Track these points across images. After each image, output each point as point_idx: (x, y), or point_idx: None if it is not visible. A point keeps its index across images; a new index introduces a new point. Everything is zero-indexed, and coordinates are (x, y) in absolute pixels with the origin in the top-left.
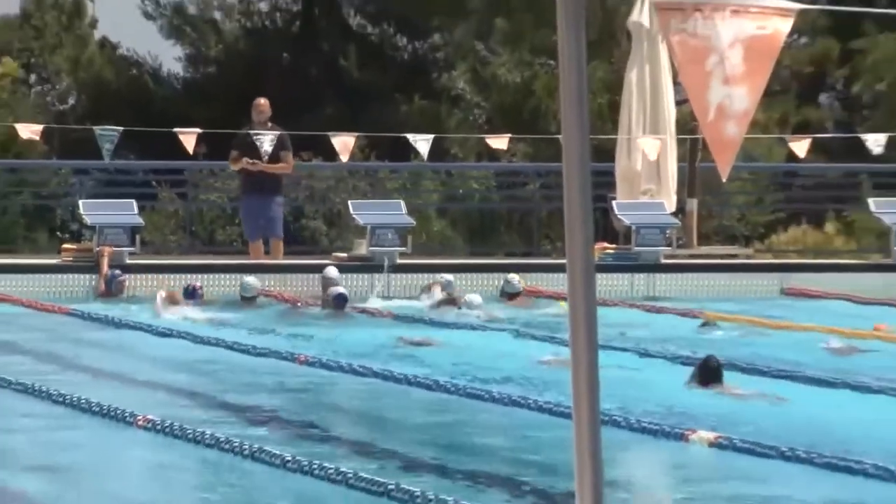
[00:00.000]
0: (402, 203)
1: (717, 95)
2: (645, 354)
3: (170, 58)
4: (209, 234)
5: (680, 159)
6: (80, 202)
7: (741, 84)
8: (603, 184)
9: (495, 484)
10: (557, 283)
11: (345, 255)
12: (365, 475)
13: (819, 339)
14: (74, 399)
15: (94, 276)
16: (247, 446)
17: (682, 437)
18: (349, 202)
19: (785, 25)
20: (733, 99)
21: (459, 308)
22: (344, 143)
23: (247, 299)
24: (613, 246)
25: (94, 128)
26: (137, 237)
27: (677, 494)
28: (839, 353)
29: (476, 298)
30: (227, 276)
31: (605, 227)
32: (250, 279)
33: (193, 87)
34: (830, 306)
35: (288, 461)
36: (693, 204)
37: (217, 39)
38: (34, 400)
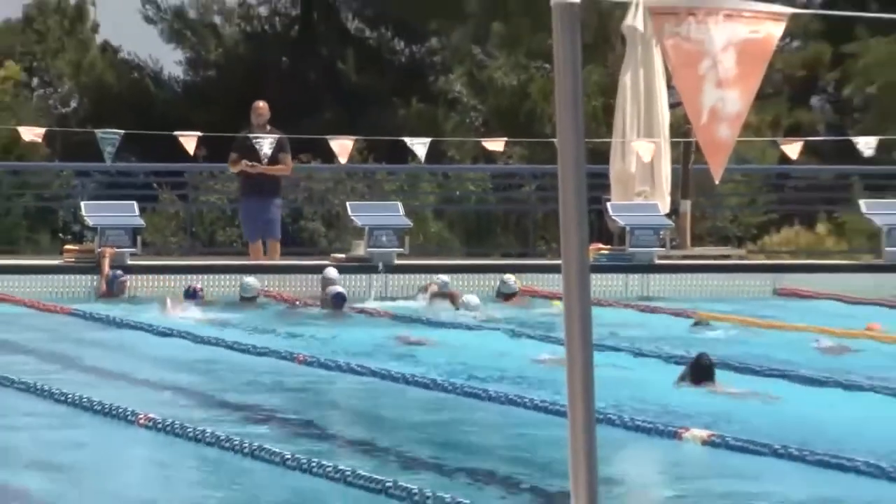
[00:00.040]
0: (400, 205)
1: (710, 98)
2: (639, 354)
3: (170, 61)
4: (209, 235)
5: (674, 161)
6: (82, 204)
7: (734, 87)
8: (598, 185)
9: (492, 481)
10: (553, 283)
11: (343, 255)
12: (363, 473)
13: (811, 339)
14: (76, 398)
15: (95, 277)
16: (247, 444)
17: (675, 436)
18: (347, 204)
19: (777, 29)
20: (726, 102)
21: (457, 308)
22: (342, 145)
23: (246, 299)
24: (608, 247)
25: (96, 131)
26: (138, 238)
27: (671, 492)
28: (830, 352)
29: (474, 299)
30: (227, 276)
31: (599, 228)
32: (250, 280)
33: (194, 90)
34: (822, 306)
35: (287, 459)
36: (686, 205)
37: (217, 43)
38: (36, 399)
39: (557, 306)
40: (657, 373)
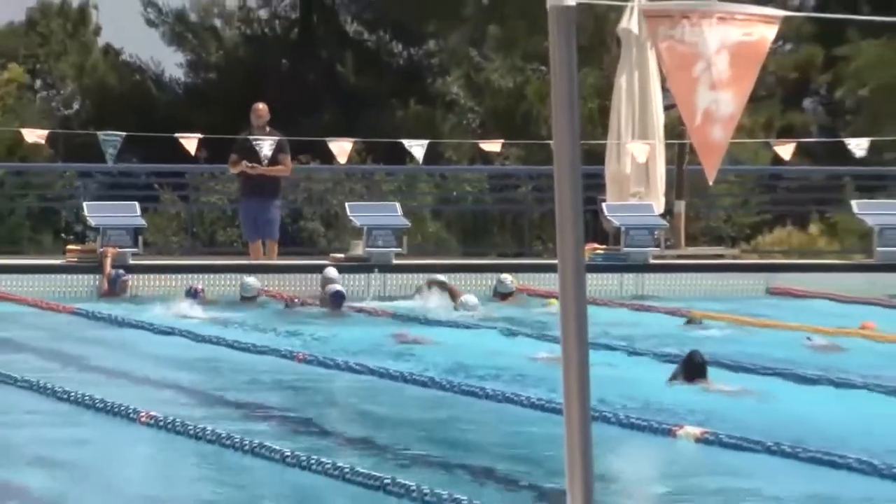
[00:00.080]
0: (398, 205)
1: (704, 100)
2: (633, 352)
3: (171, 64)
4: (210, 235)
5: (668, 162)
6: (85, 204)
7: (727, 89)
8: (593, 186)
9: (488, 478)
10: (549, 282)
11: (342, 255)
12: (362, 470)
13: (803, 337)
14: (78, 396)
15: (97, 277)
16: (247, 442)
17: (669, 433)
18: (346, 204)
19: (770, 32)
20: (720, 104)
21: (456, 308)
22: (341, 147)
23: (247, 299)
24: (603, 247)
25: (98, 133)
26: (140, 238)
27: (665, 488)
28: (822, 349)
29: (472, 299)
30: (228, 276)
31: (595, 228)
32: (250, 279)
33: (195, 92)
34: (814, 305)
35: (287, 456)
36: (681, 206)
37: (217, 46)
38: (39, 397)
39: (554, 305)
40: (651, 371)
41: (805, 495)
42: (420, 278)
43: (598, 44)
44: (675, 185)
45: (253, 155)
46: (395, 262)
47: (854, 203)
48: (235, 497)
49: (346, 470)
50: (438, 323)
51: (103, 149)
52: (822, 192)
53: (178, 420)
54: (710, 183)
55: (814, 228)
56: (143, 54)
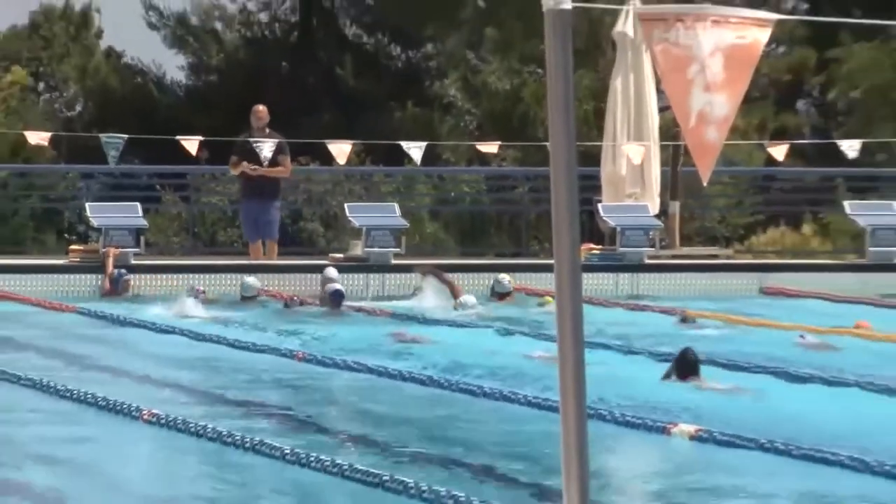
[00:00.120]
0: (397, 206)
1: (698, 102)
2: (629, 351)
3: (173, 66)
4: (211, 235)
5: (663, 164)
6: (87, 205)
7: (721, 91)
8: (589, 187)
9: (486, 475)
10: (545, 282)
11: (341, 255)
12: (360, 467)
13: (796, 336)
14: (81, 394)
15: (99, 276)
16: (248, 439)
17: (664, 431)
18: (345, 205)
19: (763, 35)
20: (714, 105)
21: (455, 308)
22: (340, 148)
23: (247, 298)
24: (599, 247)
25: (101, 135)
26: (142, 238)
27: (660, 485)
28: (815, 348)
29: (471, 299)
30: (228, 276)
31: (591, 228)
32: (250, 279)
33: (195, 94)
34: (807, 305)
35: (287, 453)
36: (675, 206)
37: (218, 49)
38: (42, 395)
39: (551, 303)
40: (646, 369)
41: (798, 492)
42: (418, 278)
43: (594, 47)
44: (670, 186)
45: (253, 156)
46: (393, 262)
47: (846, 204)
48: (236, 494)
49: (345, 467)
50: (436, 322)
51: (106, 151)
52: (814, 193)
53: (179, 418)
54: (705, 184)
55: (807, 229)
56: (145, 57)
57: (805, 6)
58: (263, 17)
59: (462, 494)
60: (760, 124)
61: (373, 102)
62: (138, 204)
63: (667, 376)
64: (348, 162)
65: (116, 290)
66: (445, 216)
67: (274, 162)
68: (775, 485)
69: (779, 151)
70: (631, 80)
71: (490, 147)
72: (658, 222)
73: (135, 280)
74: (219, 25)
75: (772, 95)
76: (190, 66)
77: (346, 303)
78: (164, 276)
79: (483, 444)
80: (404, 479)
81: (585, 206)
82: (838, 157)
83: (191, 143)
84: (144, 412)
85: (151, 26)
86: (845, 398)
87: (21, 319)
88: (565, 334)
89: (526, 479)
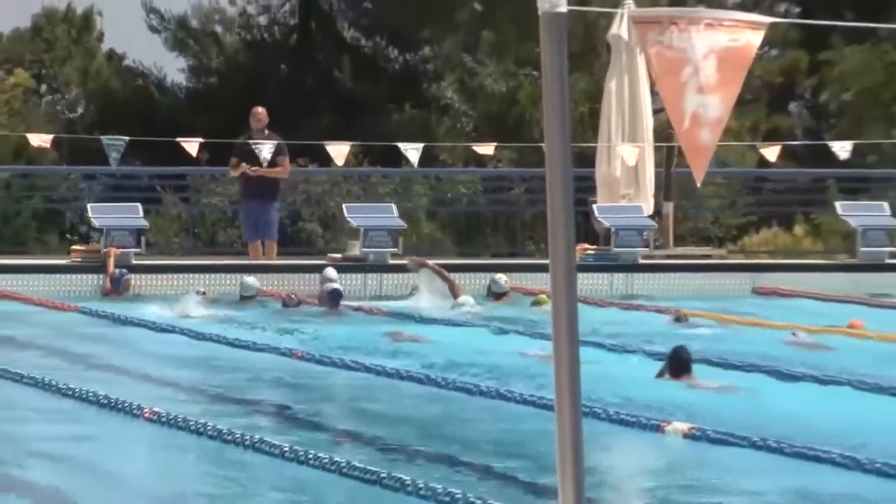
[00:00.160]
0: (394, 206)
1: (691, 104)
2: (623, 350)
3: (174, 69)
4: (210, 235)
5: (657, 165)
6: (89, 206)
7: (715, 93)
8: (584, 188)
9: (482, 472)
10: (541, 282)
11: (339, 255)
12: (357, 464)
13: (788, 333)
14: (83, 392)
15: (101, 276)
16: (247, 437)
17: (657, 429)
18: (343, 205)
19: (756, 38)
20: (707, 107)
21: (453, 308)
22: (338, 150)
23: (246, 298)
24: (594, 247)
25: (102, 137)
26: (143, 239)
27: (653, 482)
28: (807, 347)
29: (469, 300)
30: (228, 275)
31: (586, 229)
32: (249, 279)
33: (196, 96)
34: (799, 304)
35: (285, 451)
36: (669, 207)
37: (218, 52)
38: (44, 393)
39: (546, 303)
40: (640, 368)
41: (790, 489)
42: (416, 278)
43: (589, 50)
44: (664, 187)
45: (252, 158)
46: (390, 261)
47: (838, 204)
48: (236, 490)
49: (343, 464)
50: (433, 321)
51: (107, 152)
52: (806, 194)
53: (179, 416)
54: (698, 185)
55: (799, 229)
56: (146, 60)
57: (797, 10)
58: (263, 20)
59: (458, 492)
60: (753, 126)
61: (371, 104)
62: (139, 205)
63: (660, 375)
64: (346, 163)
65: (117, 289)
66: (442, 217)
67: (273, 163)
68: (768, 482)
69: (771, 153)
70: (625, 83)
71: (486, 148)
72: (652, 223)
73: (135, 280)
74: (219, 28)
75: (764, 97)
76: (190, 69)
77: (344, 302)
78: (165, 275)
79: (479, 442)
80: (401, 476)
81: (580, 206)
82: (830, 159)
83: (191, 145)
84: (145, 410)
85: (152, 29)
86: (837, 397)
87: (23, 319)
88: (560, 333)
89: (521, 477)
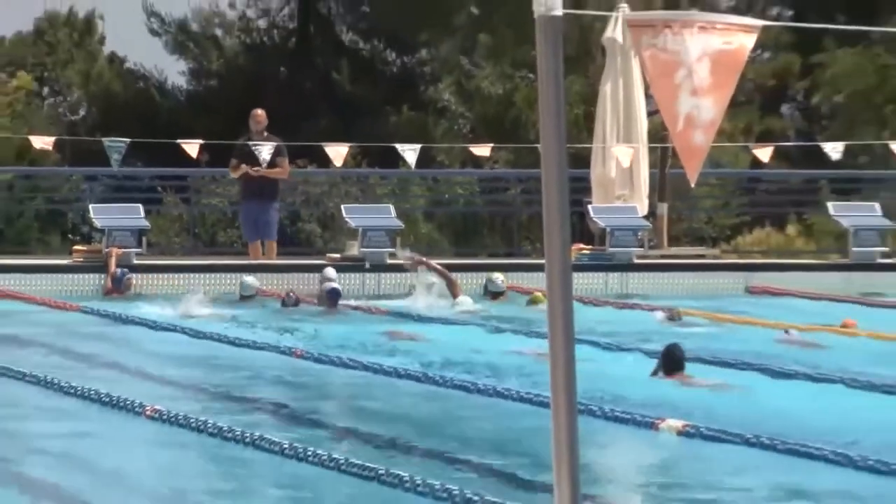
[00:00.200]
0: (392, 207)
1: (685, 106)
2: (618, 348)
3: (174, 72)
4: (211, 236)
5: (651, 166)
6: (90, 206)
7: (708, 95)
8: (579, 189)
9: (479, 469)
10: (537, 281)
11: (338, 255)
12: (356, 461)
13: (781, 331)
14: (85, 390)
15: (102, 276)
16: (247, 434)
17: (652, 426)
18: (342, 206)
19: (749, 41)
20: (701, 109)
21: (452, 307)
22: (337, 151)
23: (246, 297)
24: (589, 247)
25: (104, 139)
26: (144, 239)
27: (648, 479)
28: (799, 345)
29: (467, 300)
30: (228, 275)
31: (581, 229)
32: (249, 279)
33: (196, 99)
34: (792, 303)
35: (285, 448)
36: (664, 208)
37: (218, 55)
38: (47, 391)
39: (543, 302)
40: (635, 366)
41: (783, 486)
42: (413, 277)
43: (584, 53)
44: (658, 188)
45: (252, 159)
46: (388, 261)
47: (830, 205)
48: (236, 487)
49: (342, 461)
50: (431, 320)
51: (108, 154)
52: (799, 195)
53: (180, 414)
54: (692, 185)
55: (791, 229)
56: (147, 62)
57: (790, 13)
58: (262, 23)
59: (456, 488)
60: (746, 127)
61: (369, 107)
62: (140, 205)
63: (654, 373)
64: (345, 164)
65: (119, 289)
66: (439, 217)
67: (272, 164)
68: (760, 479)
69: (764, 154)
70: (620, 85)
71: (483, 150)
72: (647, 223)
73: (137, 279)
74: (219, 32)
75: (757, 100)
76: (191, 72)
77: (343, 301)
78: (166, 275)
79: (476, 439)
80: (399, 472)
81: (576, 207)
82: (822, 160)
83: (191, 147)
84: (146, 408)
85: (153, 32)
86: (830, 394)
87: (26, 318)
88: (556, 332)
89: (518, 473)
